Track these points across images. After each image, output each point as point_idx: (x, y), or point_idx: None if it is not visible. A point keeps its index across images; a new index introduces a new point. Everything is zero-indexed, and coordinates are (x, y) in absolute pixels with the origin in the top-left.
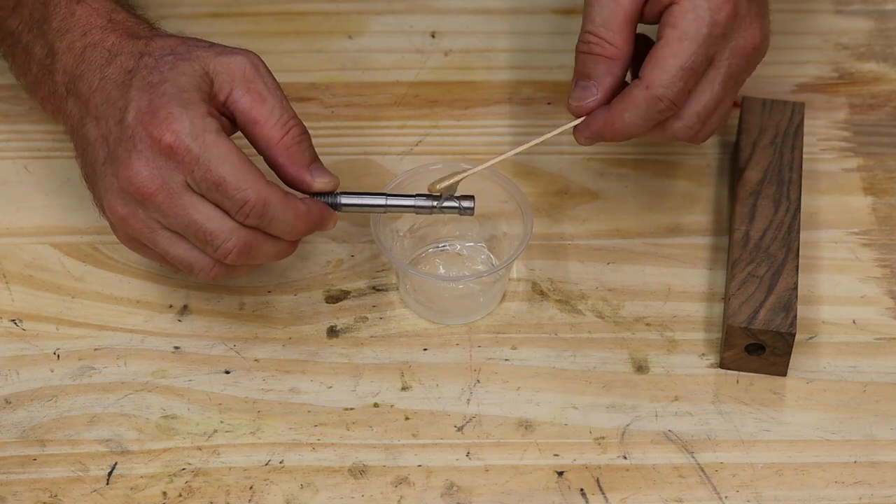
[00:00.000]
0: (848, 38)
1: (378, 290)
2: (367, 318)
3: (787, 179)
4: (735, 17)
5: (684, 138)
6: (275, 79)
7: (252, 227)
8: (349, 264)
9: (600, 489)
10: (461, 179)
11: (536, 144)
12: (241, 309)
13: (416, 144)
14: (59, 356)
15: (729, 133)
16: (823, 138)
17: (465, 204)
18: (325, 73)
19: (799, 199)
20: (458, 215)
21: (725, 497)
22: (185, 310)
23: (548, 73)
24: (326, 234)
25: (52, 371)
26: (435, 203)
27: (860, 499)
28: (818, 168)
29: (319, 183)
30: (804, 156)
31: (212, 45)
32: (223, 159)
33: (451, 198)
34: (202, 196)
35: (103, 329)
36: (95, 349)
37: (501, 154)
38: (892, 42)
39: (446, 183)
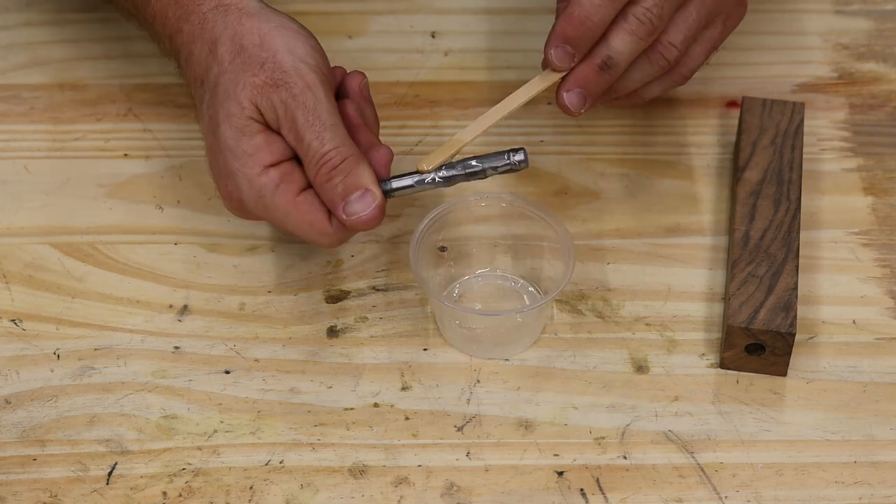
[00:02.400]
0: (848, 38)
1: (378, 290)
2: (367, 318)
3: (787, 179)
4: None
5: (644, 30)
6: (322, 100)
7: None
8: (349, 264)
9: (600, 489)
10: (457, 152)
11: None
12: (241, 309)
13: (416, 144)
14: (59, 356)
15: (729, 133)
16: (823, 138)
17: (517, 157)
18: None
19: (799, 199)
20: (515, 171)
21: (725, 497)
22: (185, 310)
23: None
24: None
25: (52, 371)
26: (485, 165)
27: (860, 499)
28: (818, 168)
29: (354, 222)
30: (804, 156)
31: (266, 60)
32: (285, 217)
33: (500, 155)
34: None
35: (103, 329)
36: (95, 349)
37: (489, 114)
38: (892, 42)
39: (440, 159)
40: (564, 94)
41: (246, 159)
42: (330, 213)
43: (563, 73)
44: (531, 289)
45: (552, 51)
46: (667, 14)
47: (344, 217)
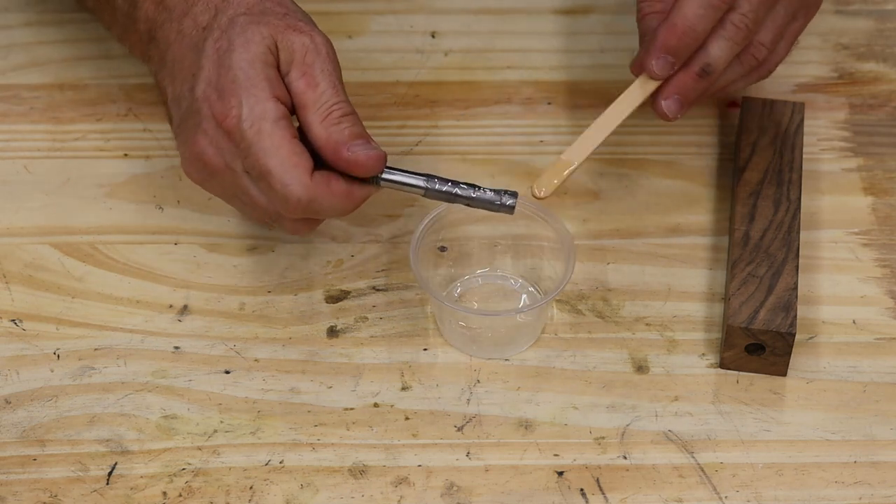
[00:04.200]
0: (848, 38)
1: (378, 290)
2: (367, 318)
3: (787, 179)
4: None
5: (741, 35)
6: (336, 65)
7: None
8: (349, 264)
9: (600, 489)
10: (569, 175)
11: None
12: (241, 309)
13: (416, 144)
14: (59, 356)
15: (729, 133)
16: (823, 138)
17: (506, 200)
18: None
19: (799, 199)
20: (496, 211)
21: (725, 497)
22: (185, 310)
23: (548, 73)
24: (326, 234)
25: (52, 371)
26: (475, 194)
27: (860, 499)
28: (818, 168)
29: (359, 156)
30: (804, 156)
31: (288, 13)
32: (273, 151)
33: (494, 191)
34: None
35: (103, 329)
36: (95, 349)
37: (594, 131)
38: (892, 42)
39: (553, 181)
40: (663, 102)
41: (258, 81)
42: (312, 171)
43: (661, 81)
44: (531, 289)
45: (654, 62)
46: (761, 17)
47: (347, 154)
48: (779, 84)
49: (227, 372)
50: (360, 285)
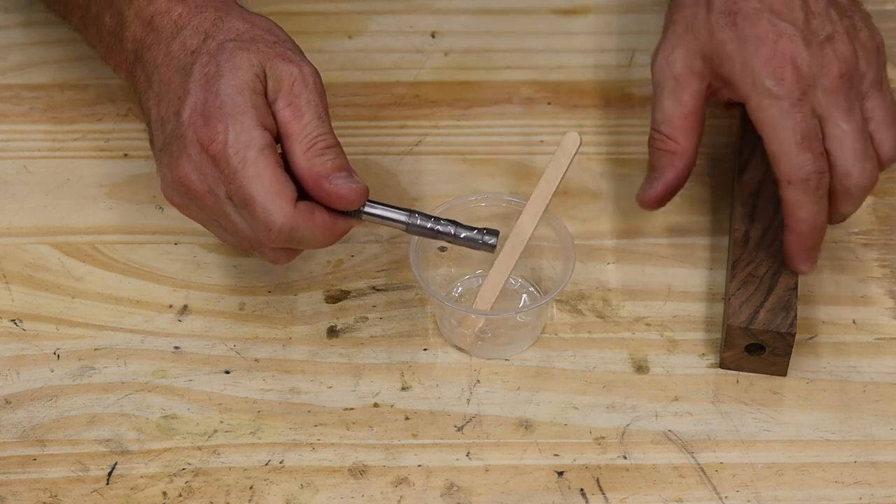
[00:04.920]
0: None
1: (378, 290)
2: (367, 318)
3: None
4: (807, 50)
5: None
6: (323, 96)
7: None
8: (349, 264)
9: (600, 489)
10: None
11: None
12: (241, 309)
13: (416, 144)
14: (59, 356)
15: (729, 133)
16: None
17: (488, 239)
18: (324, 73)
19: None
20: (476, 249)
21: (725, 497)
22: (185, 310)
23: (548, 73)
24: None
25: (52, 371)
26: (455, 231)
27: (860, 499)
28: None
29: (340, 189)
30: None
31: (278, 42)
32: (257, 179)
33: (475, 229)
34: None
35: (103, 329)
36: (95, 349)
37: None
38: (892, 42)
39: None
40: (804, 268)
41: (245, 109)
42: (296, 202)
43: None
44: (531, 289)
45: (806, 267)
46: (868, 148)
47: (329, 186)
48: None
49: (227, 372)
50: (360, 285)
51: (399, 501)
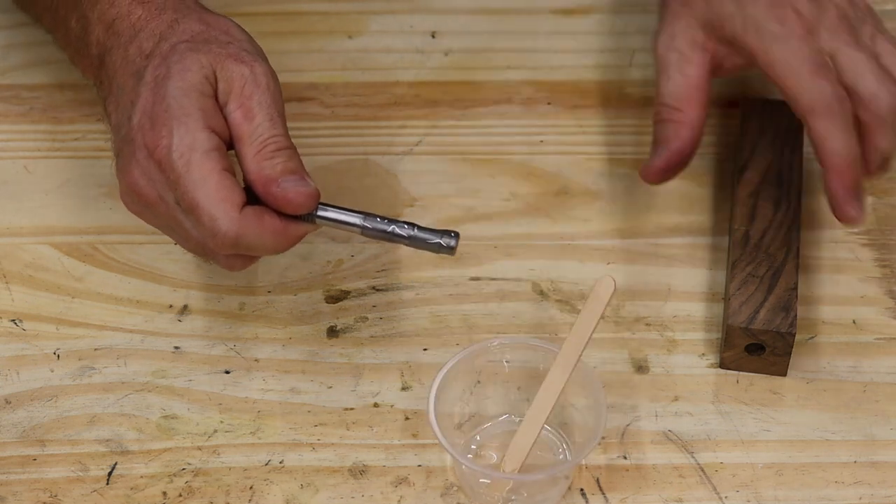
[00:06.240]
0: None
1: (378, 290)
2: (367, 318)
3: (787, 179)
4: (796, 6)
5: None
6: (277, 97)
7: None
8: (349, 264)
9: (600, 489)
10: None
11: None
12: (241, 309)
13: (416, 144)
14: (59, 356)
15: (729, 133)
16: None
17: (447, 241)
18: (324, 73)
19: (799, 199)
20: (435, 252)
21: (725, 497)
22: (185, 310)
23: (548, 73)
24: (326, 233)
25: (52, 371)
26: (413, 233)
27: (860, 499)
28: (818, 168)
29: (288, 193)
30: (804, 156)
31: (232, 42)
32: (201, 183)
33: (434, 231)
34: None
35: (103, 329)
36: (95, 349)
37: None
38: None
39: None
40: (852, 212)
41: (191, 111)
42: (243, 206)
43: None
44: (559, 437)
45: (853, 212)
46: (882, 70)
47: (277, 190)
48: None
49: (227, 372)
50: (360, 285)
51: (399, 501)
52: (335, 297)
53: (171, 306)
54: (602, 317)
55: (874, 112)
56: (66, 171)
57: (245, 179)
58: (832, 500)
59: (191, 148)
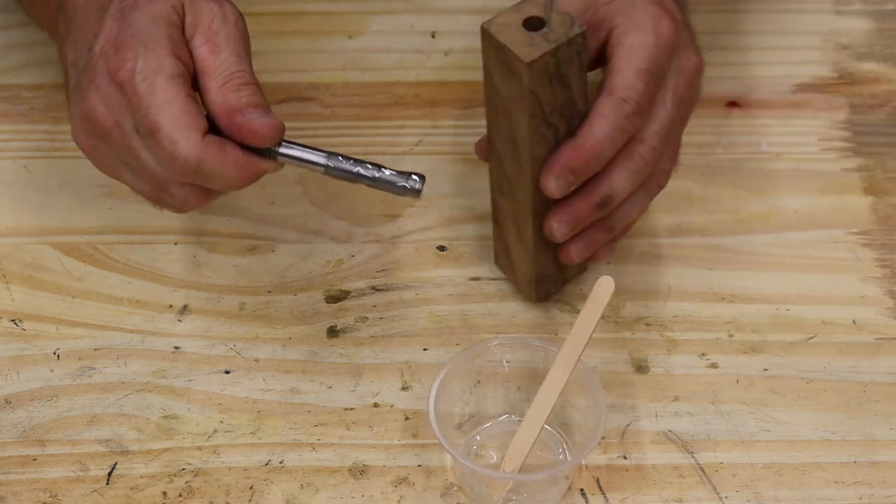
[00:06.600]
0: (848, 38)
1: (378, 290)
2: (367, 318)
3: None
4: (677, 32)
5: (647, 168)
6: (245, 36)
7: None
8: (349, 264)
9: (600, 489)
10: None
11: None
12: (241, 309)
13: (416, 144)
14: (59, 356)
15: (729, 133)
16: (823, 138)
17: (412, 184)
18: (325, 72)
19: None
20: (401, 195)
21: (725, 497)
22: (185, 310)
23: None
24: (326, 234)
25: (52, 371)
26: (378, 174)
27: (860, 499)
28: (818, 168)
29: (253, 123)
30: (804, 156)
31: None
32: (164, 106)
33: (400, 173)
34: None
35: (103, 329)
36: (95, 349)
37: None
38: (892, 42)
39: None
40: (555, 224)
41: (159, 38)
42: (205, 133)
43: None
44: (558, 436)
45: (554, 180)
46: (665, 147)
47: (241, 119)
48: (779, 84)
49: (227, 372)
50: (360, 285)
51: (399, 501)
52: (335, 297)
53: (171, 306)
54: (602, 317)
55: (636, 153)
56: (66, 171)
57: (208, 112)
58: (832, 500)
59: (156, 71)
